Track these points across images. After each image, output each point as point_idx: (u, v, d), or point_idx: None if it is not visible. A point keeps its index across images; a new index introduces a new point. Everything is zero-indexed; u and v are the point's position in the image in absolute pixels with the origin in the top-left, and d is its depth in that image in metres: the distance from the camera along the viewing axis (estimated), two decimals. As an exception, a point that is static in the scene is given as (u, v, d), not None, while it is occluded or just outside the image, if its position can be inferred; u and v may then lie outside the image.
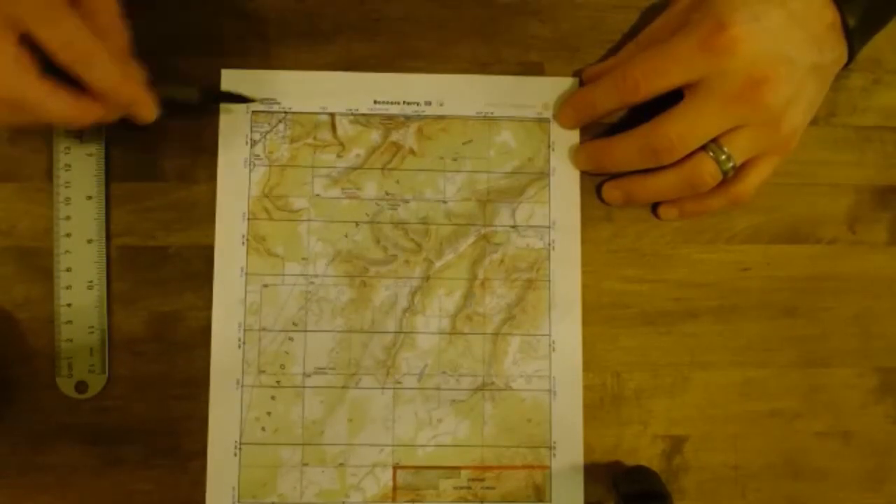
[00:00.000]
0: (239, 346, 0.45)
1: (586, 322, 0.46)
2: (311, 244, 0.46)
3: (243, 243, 0.45)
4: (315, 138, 0.46)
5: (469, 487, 0.45)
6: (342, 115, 0.46)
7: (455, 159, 0.46)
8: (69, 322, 0.44)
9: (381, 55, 0.47)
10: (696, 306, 0.47)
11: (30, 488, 0.44)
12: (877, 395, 0.47)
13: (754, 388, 0.46)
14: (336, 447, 0.45)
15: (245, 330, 0.45)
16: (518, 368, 0.45)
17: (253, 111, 0.46)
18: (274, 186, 0.46)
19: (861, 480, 0.46)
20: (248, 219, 0.46)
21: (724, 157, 0.42)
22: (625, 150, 0.44)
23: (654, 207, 0.47)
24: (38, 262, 0.45)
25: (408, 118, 0.47)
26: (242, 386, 0.45)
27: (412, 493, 0.45)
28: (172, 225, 0.45)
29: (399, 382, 0.45)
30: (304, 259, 0.46)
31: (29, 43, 0.36)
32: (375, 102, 0.47)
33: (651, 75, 0.42)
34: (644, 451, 0.46)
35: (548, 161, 0.47)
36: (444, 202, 0.46)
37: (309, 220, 0.46)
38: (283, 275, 0.45)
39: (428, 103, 0.47)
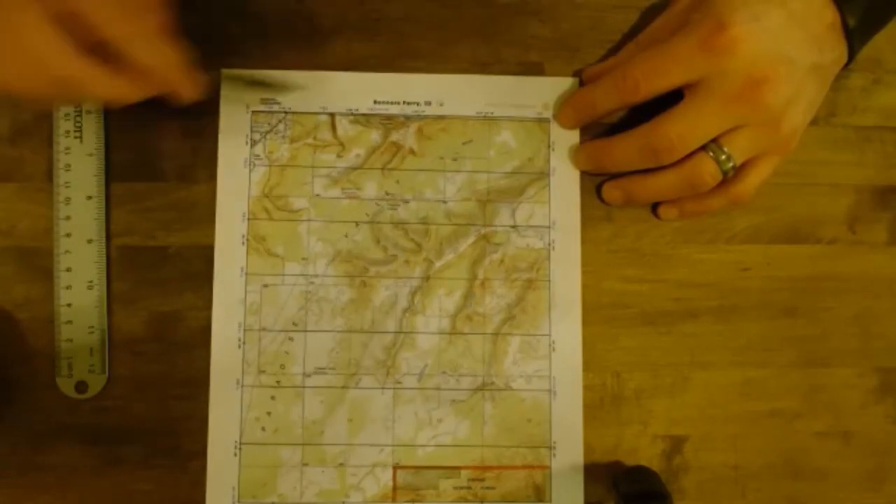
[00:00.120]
0: (239, 346, 0.45)
1: (586, 322, 0.46)
2: (311, 244, 0.46)
3: (243, 243, 0.45)
4: (315, 138, 0.46)
5: (469, 487, 0.45)
6: (342, 115, 0.46)
7: (455, 159, 0.46)
8: (69, 322, 0.44)
9: (381, 55, 0.47)
10: (696, 306, 0.47)
11: (30, 488, 0.44)
12: (877, 395, 0.47)
13: (754, 388, 0.46)
14: (336, 447, 0.45)
15: (245, 330, 0.45)
16: (518, 368, 0.45)
17: (253, 111, 0.46)
18: (274, 186, 0.46)
19: (861, 480, 0.46)
20: (248, 219, 0.46)
21: (724, 157, 0.42)
22: (625, 150, 0.44)
23: (654, 207, 0.47)
24: (38, 262, 0.45)
25: (408, 118, 0.47)
26: (242, 386, 0.45)
27: (412, 493, 0.45)
28: (172, 225, 0.45)
29: (399, 382, 0.45)
30: (304, 259, 0.46)
31: (71, 22, 0.37)
32: (375, 102, 0.47)
33: (651, 75, 0.42)
34: (644, 451, 0.46)
35: (548, 161, 0.47)
36: (444, 202, 0.46)
37: (309, 220, 0.46)
38: (283, 275, 0.45)
39: (428, 103, 0.47)
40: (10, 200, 0.45)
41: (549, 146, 0.47)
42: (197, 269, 0.45)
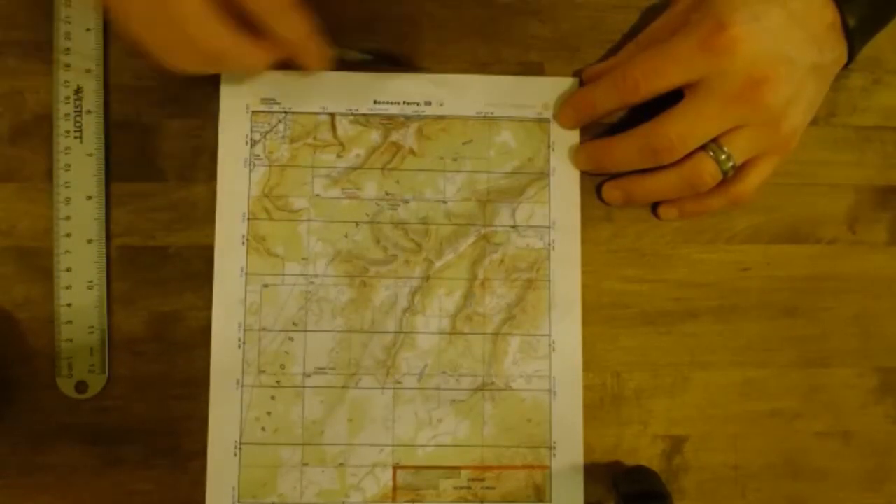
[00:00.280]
0: (239, 346, 0.45)
1: (586, 322, 0.46)
2: (311, 244, 0.46)
3: (243, 243, 0.45)
4: (315, 138, 0.46)
5: (469, 487, 0.45)
6: (342, 115, 0.46)
7: (455, 159, 0.46)
8: (69, 322, 0.44)
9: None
10: (696, 306, 0.47)
11: (30, 488, 0.44)
12: (877, 395, 0.47)
13: (754, 388, 0.46)
14: (336, 447, 0.45)
15: (245, 330, 0.45)
16: (518, 368, 0.45)
17: (253, 111, 0.46)
18: (274, 186, 0.46)
19: (861, 480, 0.46)
20: (248, 219, 0.46)
21: (724, 156, 0.42)
22: (625, 150, 0.44)
23: (654, 207, 0.47)
24: (38, 262, 0.45)
25: (408, 118, 0.47)
26: (242, 386, 0.45)
27: (412, 493, 0.45)
28: (172, 225, 0.45)
29: (399, 382, 0.45)
30: (304, 259, 0.46)
31: None
32: (375, 102, 0.47)
33: (651, 75, 0.42)
34: (644, 451, 0.46)
35: (548, 161, 0.47)
36: (444, 202, 0.46)
37: (309, 220, 0.46)
38: (283, 275, 0.45)
39: (428, 103, 0.47)
40: (10, 200, 0.45)
41: (549, 146, 0.47)
42: (197, 269, 0.45)
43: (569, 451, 0.45)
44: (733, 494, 0.46)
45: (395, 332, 0.45)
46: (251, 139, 0.46)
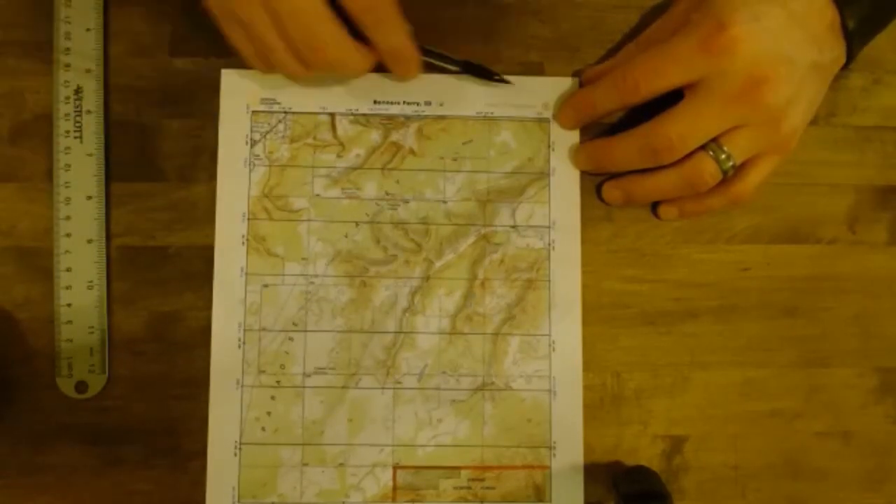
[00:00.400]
0: (239, 346, 0.45)
1: (586, 322, 0.46)
2: (311, 244, 0.46)
3: (243, 243, 0.45)
4: (315, 138, 0.46)
5: (469, 487, 0.45)
6: (342, 115, 0.46)
7: (455, 159, 0.46)
8: (69, 322, 0.44)
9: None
10: (696, 306, 0.47)
11: (30, 488, 0.44)
12: (877, 395, 0.47)
13: (754, 388, 0.46)
14: (336, 447, 0.45)
15: (245, 330, 0.45)
16: (518, 368, 0.45)
17: (253, 111, 0.46)
18: (274, 186, 0.46)
19: (861, 480, 0.46)
20: (248, 219, 0.46)
21: (723, 156, 0.42)
22: (625, 150, 0.44)
23: (654, 207, 0.47)
24: (38, 262, 0.45)
25: (408, 118, 0.47)
26: (242, 386, 0.45)
27: (412, 493, 0.45)
28: (172, 225, 0.45)
29: (399, 382, 0.45)
30: (304, 259, 0.46)
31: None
32: (375, 102, 0.47)
33: (651, 76, 0.42)
34: (644, 451, 0.46)
35: (548, 161, 0.47)
36: (444, 202, 0.46)
37: (309, 220, 0.46)
38: (283, 275, 0.45)
39: (428, 103, 0.47)
40: (10, 200, 0.45)
41: (549, 146, 0.47)
42: (197, 269, 0.45)
43: (569, 451, 0.45)
44: (733, 494, 0.46)
45: (395, 332, 0.45)
46: (251, 139, 0.46)
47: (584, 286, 0.46)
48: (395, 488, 0.45)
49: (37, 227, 0.45)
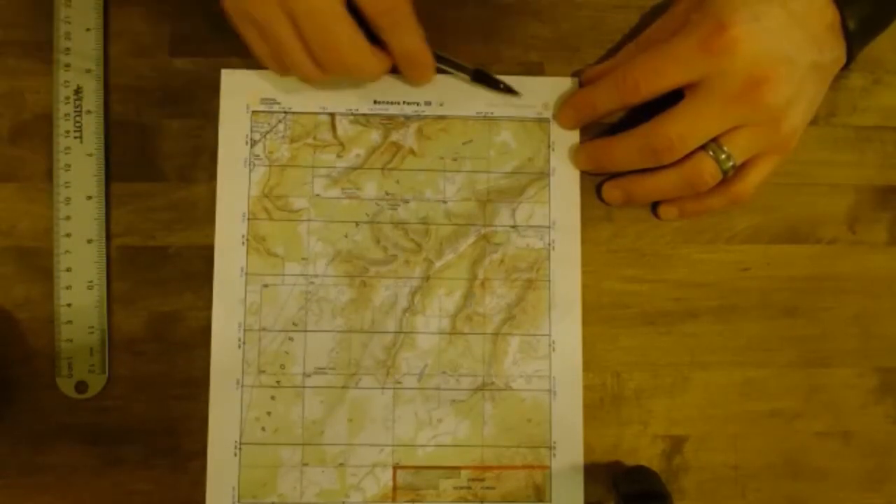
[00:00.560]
0: (239, 346, 0.45)
1: (586, 322, 0.46)
2: (311, 244, 0.46)
3: (243, 243, 0.45)
4: (315, 138, 0.46)
5: (469, 487, 0.45)
6: (342, 115, 0.46)
7: (455, 159, 0.46)
8: (69, 322, 0.44)
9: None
10: (696, 306, 0.47)
11: (30, 488, 0.44)
12: (877, 395, 0.47)
13: (754, 388, 0.46)
14: (336, 447, 0.45)
15: (245, 330, 0.45)
16: (518, 368, 0.45)
17: (253, 111, 0.46)
18: (274, 186, 0.46)
19: (861, 480, 0.46)
20: (248, 219, 0.46)
21: (723, 156, 0.42)
22: (625, 150, 0.44)
23: (654, 207, 0.47)
24: (38, 262, 0.45)
25: (408, 118, 0.47)
26: (242, 386, 0.45)
27: (412, 493, 0.45)
28: (172, 225, 0.45)
29: (399, 382, 0.45)
30: (304, 259, 0.46)
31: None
32: (375, 102, 0.47)
33: (651, 76, 0.42)
34: (644, 451, 0.46)
35: (548, 161, 0.47)
36: (444, 202, 0.46)
37: (309, 220, 0.46)
38: (283, 275, 0.45)
39: (428, 103, 0.47)
40: (10, 200, 0.45)
41: (549, 146, 0.47)
42: (197, 269, 0.45)
43: (569, 451, 0.45)
44: (733, 494, 0.46)
45: (395, 332, 0.45)
46: (251, 139, 0.46)
47: (584, 286, 0.46)
48: (395, 488, 0.45)
49: (37, 227, 0.45)
